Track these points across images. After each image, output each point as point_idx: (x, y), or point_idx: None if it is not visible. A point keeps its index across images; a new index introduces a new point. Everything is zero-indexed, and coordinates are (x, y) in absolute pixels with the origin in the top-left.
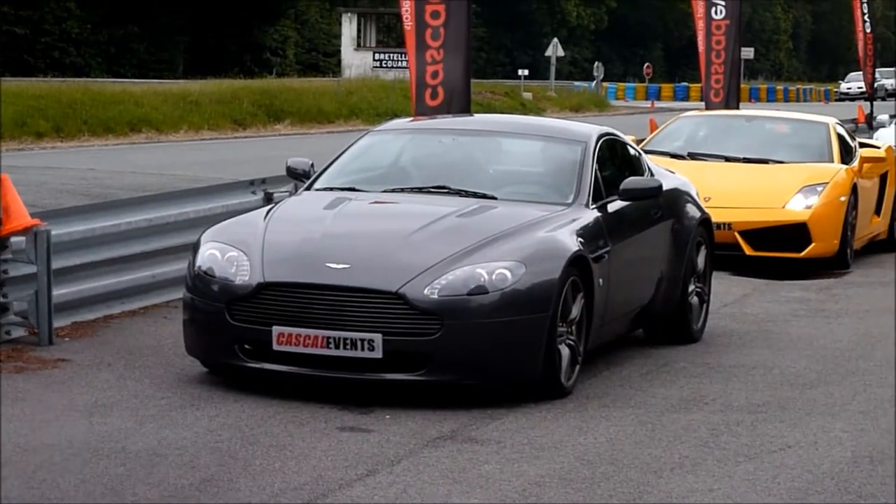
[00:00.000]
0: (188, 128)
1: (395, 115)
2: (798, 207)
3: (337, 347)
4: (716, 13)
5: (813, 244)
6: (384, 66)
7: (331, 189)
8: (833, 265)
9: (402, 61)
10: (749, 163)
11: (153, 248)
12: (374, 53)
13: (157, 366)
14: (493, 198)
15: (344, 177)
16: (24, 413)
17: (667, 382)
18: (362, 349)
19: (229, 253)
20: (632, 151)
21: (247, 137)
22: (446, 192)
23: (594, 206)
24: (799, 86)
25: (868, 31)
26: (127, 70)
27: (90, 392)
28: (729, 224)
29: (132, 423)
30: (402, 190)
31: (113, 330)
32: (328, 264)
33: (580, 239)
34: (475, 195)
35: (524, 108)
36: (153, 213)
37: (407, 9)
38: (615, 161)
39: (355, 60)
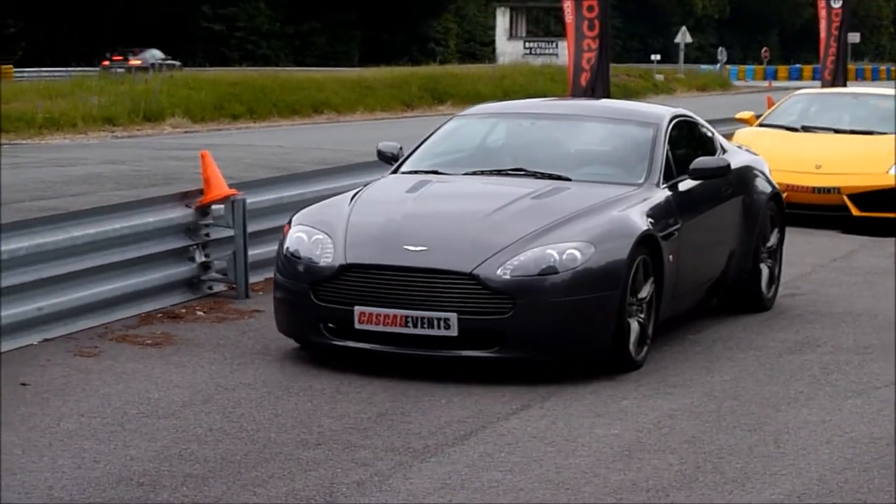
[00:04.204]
0: (363, 109)
1: (545, 96)
2: None
3: (415, 326)
4: (834, 1)
5: None
6: (533, 53)
7: (415, 172)
8: None
9: (549, 49)
10: (855, 134)
11: None
12: (524, 42)
13: None
14: (568, 179)
15: (428, 160)
16: (225, 357)
17: (783, 327)
18: (439, 328)
19: (315, 235)
20: (704, 132)
21: (414, 117)
22: (523, 175)
23: (665, 185)
24: None
25: None
26: (310, 60)
27: (281, 339)
28: (838, 188)
29: (317, 365)
30: (482, 172)
31: None
32: (406, 246)
33: (650, 218)
34: (550, 177)
35: (656, 88)
36: (334, 182)
37: (568, 5)
38: (687, 141)
39: (508, 49)
